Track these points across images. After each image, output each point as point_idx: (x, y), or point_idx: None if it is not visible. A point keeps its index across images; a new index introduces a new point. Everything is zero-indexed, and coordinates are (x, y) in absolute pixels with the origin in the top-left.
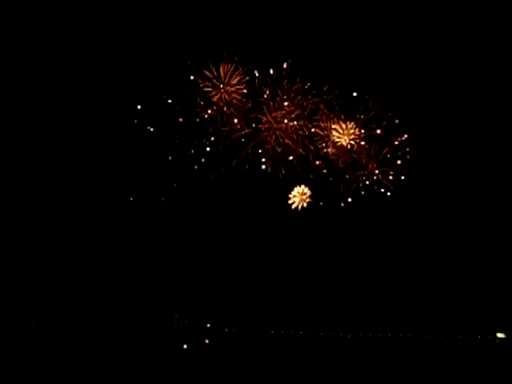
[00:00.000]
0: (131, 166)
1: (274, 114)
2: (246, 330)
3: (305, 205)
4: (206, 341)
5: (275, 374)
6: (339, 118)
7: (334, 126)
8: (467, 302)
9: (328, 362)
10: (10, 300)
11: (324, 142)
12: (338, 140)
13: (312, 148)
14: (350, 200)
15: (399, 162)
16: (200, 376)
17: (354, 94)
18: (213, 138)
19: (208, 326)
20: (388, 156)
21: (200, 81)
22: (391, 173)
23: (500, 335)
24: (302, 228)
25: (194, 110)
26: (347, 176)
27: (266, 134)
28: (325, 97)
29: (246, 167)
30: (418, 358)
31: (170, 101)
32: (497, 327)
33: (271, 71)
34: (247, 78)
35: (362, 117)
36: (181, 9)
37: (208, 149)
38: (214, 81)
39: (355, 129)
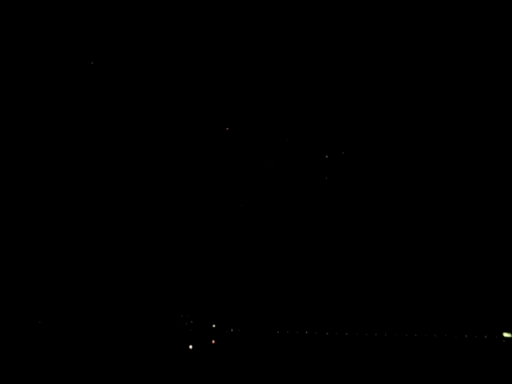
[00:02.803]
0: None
1: None
2: (252, 330)
3: None
4: (212, 341)
5: (281, 374)
6: None
7: None
8: (473, 301)
9: (334, 362)
10: (15, 301)
11: None
12: None
13: None
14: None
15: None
16: (206, 376)
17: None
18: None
19: (214, 326)
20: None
21: None
22: None
23: (506, 335)
24: (306, 227)
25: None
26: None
27: None
28: None
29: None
30: (422, 358)
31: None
32: (503, 327)
33: None
34: None
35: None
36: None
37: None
38: None
39: None
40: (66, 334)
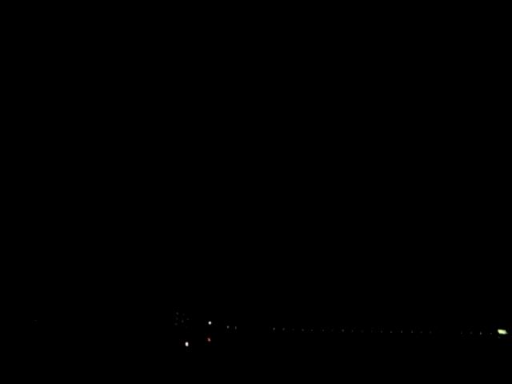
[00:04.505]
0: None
1: None
2: (247, 327)
3: None
4: (208, 338)
5: (276, 370)
6: None
7: None
8: (469, 300)
9: (328, 358)
10: (12, 299)
11: None
12: None
13: None
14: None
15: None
16: (202, 373)
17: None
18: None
19: (209, 323)
20: None
21: None
22: None
23: (501, 332)
24: (301, 228)
25: None
26: None
27: None
28: None
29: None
30: (420, 354)
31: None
32: (498, 324)
33: None
34: None
35: None
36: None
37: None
38: None
39: None
40: (64, 331)
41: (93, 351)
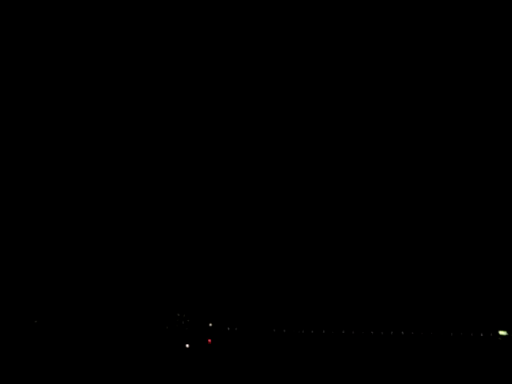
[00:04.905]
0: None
1: None
2: (249, 329)
3: None
4: (209, 340)
5: (277, 371)
6: None
7: None
8: (471, 302)
9: (329, 359)
10: (12, 300)
11: None
12: None
13: None
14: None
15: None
16: (202, 375)
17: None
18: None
19: (210, 325)
20: None
21: None
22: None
23: (502, 333)
24: (301, 229)
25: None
26: None
27: None
28: None
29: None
30: (421, 355)
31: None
32: (499, 325)
33: None
34: None
35: None
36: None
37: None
38: None
39: None
40: (64, 332)
41: (93, 352)
